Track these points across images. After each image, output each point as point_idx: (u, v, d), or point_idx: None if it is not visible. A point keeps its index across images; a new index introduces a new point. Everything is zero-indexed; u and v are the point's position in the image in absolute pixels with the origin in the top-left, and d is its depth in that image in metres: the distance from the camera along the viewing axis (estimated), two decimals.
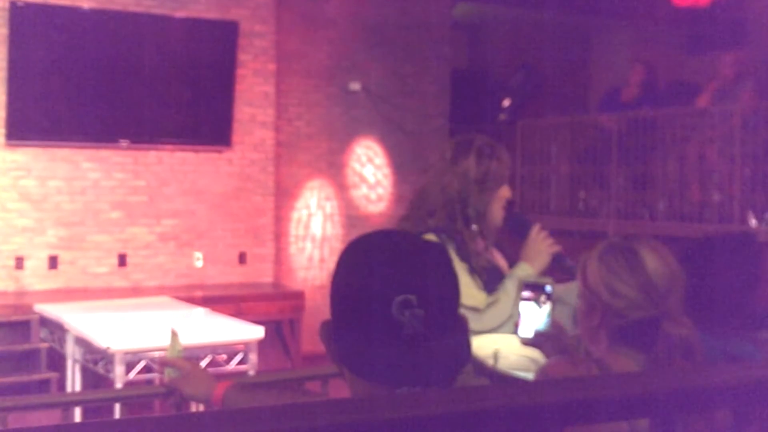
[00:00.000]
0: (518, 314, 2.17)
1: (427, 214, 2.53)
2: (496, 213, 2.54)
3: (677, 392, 1.01)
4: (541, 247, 2.52)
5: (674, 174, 7.52)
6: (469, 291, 2.45)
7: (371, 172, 8.59)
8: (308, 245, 8.31)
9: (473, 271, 2.50)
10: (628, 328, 1.71)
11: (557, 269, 2.49)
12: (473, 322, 2.38)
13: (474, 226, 2.51)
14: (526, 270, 2.49)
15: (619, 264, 1.72)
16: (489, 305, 2.48)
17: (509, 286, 2.48)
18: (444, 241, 2.44)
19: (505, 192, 2.53)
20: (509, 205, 2.56)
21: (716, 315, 2.23)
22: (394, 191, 8.69)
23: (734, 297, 2.27)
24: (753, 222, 6.70)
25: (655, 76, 8.26)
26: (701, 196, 7.30)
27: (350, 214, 8.46)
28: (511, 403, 0.93)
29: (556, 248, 2.52)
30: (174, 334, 2.17)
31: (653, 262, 1.71)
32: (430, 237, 2.44)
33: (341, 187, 8.47)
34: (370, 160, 8.56)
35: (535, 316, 2.13)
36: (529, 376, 2.21)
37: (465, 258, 2.49)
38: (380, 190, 8.65)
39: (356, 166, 8.52)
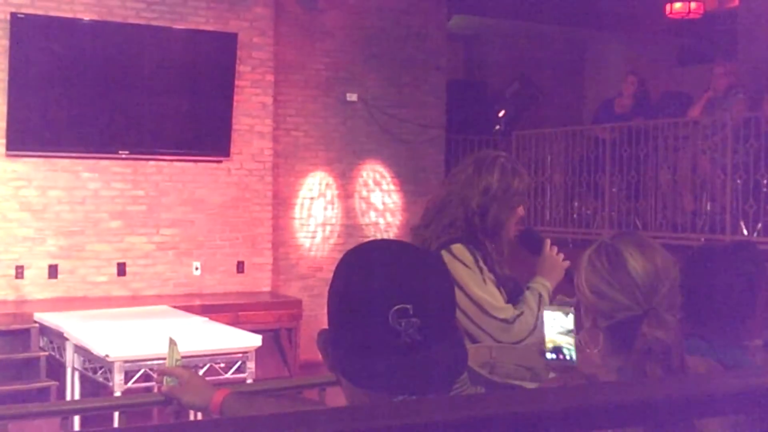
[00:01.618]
0: (540, 328, 2.17)
1: (448, 225, 2.56)
2: (511, 229, 2.58)
3: (673, 401, 0.99)
4: (556, 261, 2.57)
5: (667, 184, 7.58)
6: (499, 303, 2.50)
7: (369, 182, 8.65)
8: (306, 254, 8.37)
9: (500, 283, 2.54)
10: (615, 330, 1.68)
11: (569, 283, 2.57)
12: (503, 333, 2.47)
13: (490, 240, 2.57)
14: (543, 284, 2.54)
15: (603, 264, 1.69)
16: (516, 317, 2.52)
17: (530, 298, 2.53)
18: (473, 252, 2.51)
19: (521, 210, 2.58)
20: (521, 220, 2.61)
21: (715, 324, 2.22)
22: (391, 201, 8.76)
23: (734, 305, 2.25)
24: (745, 232, 6.76)
25: (648, 88, 8.33)
26: (694, 205, 7.36)
27: (348, 223, 8.52)
28: (507, 411, 0.93)
29: (568, 263, 2.56)
30: (172, 343, 2.19)
31: (636, 260, 1.67)
32: (458, 247, 2.50)
33: (339, 197, 8.53)
34: (367, 170, 8.62)
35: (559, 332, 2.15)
36: (526, 385, 2.22)
37: (492, 269, 2.54)
38: (378, 200, 8.71)
39: (354, 176, 8.58)
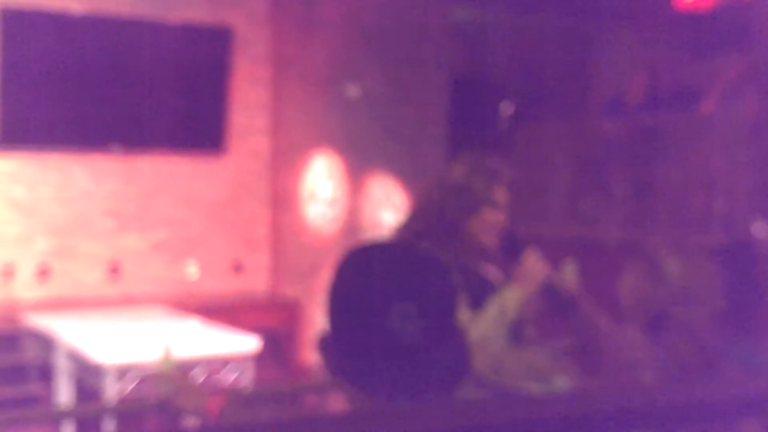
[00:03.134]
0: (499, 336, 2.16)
1: (418, 224, 2.51)
2: (480, 234, 2.46)
3: (677, 405, 1.01)
4: (532, 270, 2.43)
5: (677, 180, 7.45)
6: None
7: (369, 180, 8.51)
8: (305, 254, 8.23)
9: (466, 286, 2.43)
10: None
11: (548, 296, 2.43)
12: None
13: (447, 241, 2.44)
14: (513, 293, 2.41)
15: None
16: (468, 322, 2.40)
17: (491, 306, 2.41)
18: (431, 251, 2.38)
19: (489, 215, 2.45)
20: (507, 233, 2.49)
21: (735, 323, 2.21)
22: (392, 200, 8.61)
23: (742, 305, 2.28)
24: (760, 230, 6.62)
25: (658, 81, 8.23)
26: (705, 202, 7.23)
27: (348, 222, 8.38)
28: (511, 416, 0.92)
29: (546, 272, 2.43)
30: (167, 351, 2.16)
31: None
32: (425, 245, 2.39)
33: (339, 195, 8.39)
34: (367, 168, 8.49)
35: None
36: (532, 388, 2.22)
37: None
38: (378, 199, 8.57)
39: (353, 174, 8.45)
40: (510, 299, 2.36)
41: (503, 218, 2.48)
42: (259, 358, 5.47)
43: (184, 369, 3.85)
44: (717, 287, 1.85)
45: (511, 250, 2.51)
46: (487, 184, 2.46)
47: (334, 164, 8.37)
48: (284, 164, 8.20)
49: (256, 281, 8.05)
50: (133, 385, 4.70)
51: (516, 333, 2.39)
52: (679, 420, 1.01)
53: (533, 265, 2.44)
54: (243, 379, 4.96)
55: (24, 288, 7.15)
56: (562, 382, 2.16)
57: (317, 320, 7.76)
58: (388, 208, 8.60)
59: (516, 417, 0.92)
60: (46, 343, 5.82)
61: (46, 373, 6.11)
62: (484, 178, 2.46)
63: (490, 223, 2.45)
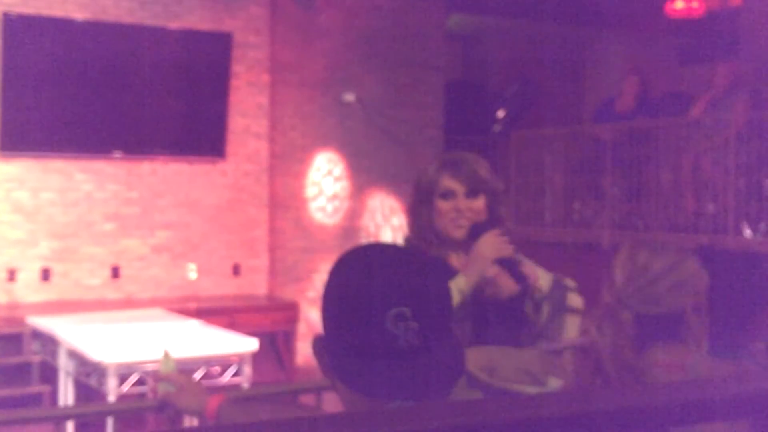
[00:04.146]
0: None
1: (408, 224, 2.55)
2: (439, 224, 2.43)
3: (673, 406, 1.00)
4: (484, 250, 2.31)
5: (669, 184, 7.51)
6: None
7: (366, 184, 8.57)
8: (302, 257, 8.28)
9: None
10: None
11: (516, 279, 2.32)
12: None
13: (421, 241, 2.44)
14: (459, 281, 2.31)
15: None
16: None
17: None
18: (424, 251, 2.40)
19: (441, 204, 2.42)
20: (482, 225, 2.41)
21: (717, 327, 2.22)
22: (388, 203, 8.67)
23: (735, 308, 2.27)
24: (747, 233, 6.70)
25: (649, 87, 8.27)
26: (696, 206, 7.30)
27: (345, 225, 8.44)
28: (505, 417, 0.92)
29: (508, 252, 2.31)
30: (166, 353, 2.15)
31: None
32: (417, 245, 2.44)
33: (336, 198, 8.44)
34: (364, 171, 8.54)
35: None
36: (526, 390, 2.18)
37: None
38: (375, 202, 8.63)
39: (351, 177, 8.50)
40: (454, 290, 2.25)
41: (459, 208, 2.42)
42: (258, 359, 5.52)
43: (183, 369, 3.93)
44: (694, 285, 1.85)
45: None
46: (436, 175, 2.44)
47: (332, 168, 8.43)
48: (282, 168, 8.25)
49: (255, 284, 8.08)
50: (133, 384, 4.76)
51: (479, 317, 2.35)
52: (677, 419, 1.01)
53: (487, 244, 2.34)
54: (241, 379, 4.98)
55: (27, 290, 7.18)
56: (555, 384, 2.09)
57: (312, 320, 7.83)
58: (384, 210, 8.67)
59: (511, 417, 0.93)
60: (48, 343, 5.87)
61: (48, 373, 6.18)
62: (435, 169, 2.45)
63: (444, 211, 2.42)
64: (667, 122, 7.65)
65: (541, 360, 2.28)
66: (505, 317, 2.38)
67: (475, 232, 2.40)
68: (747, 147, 6.80)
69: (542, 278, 2.42)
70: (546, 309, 2.40)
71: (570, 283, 2.44)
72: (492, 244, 2.32)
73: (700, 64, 8.60)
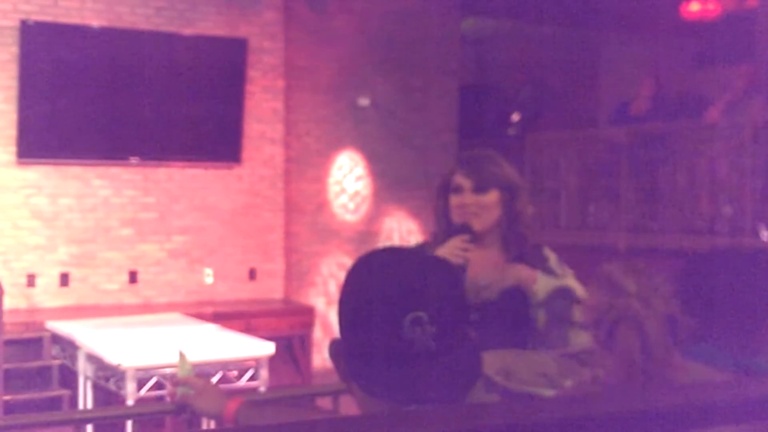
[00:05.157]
0: None
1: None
2: (456, 221, 2.52)
3: (679, 409, 1.01)
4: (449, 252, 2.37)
5: (684, 187, 7.49)
6: None
7: (381, 188, 8.59)
8: (318, 261, 8.31)
9: None
10: None
11: None
12: None
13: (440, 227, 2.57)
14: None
15: None
16: None
17: None
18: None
19: (453, 200, 2.51)
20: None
21: (732, 330, 2.18)
22: (403, 207, 8.69)
23: (751, 311, 2.23)
24: (764, 235, 6.67)
25: (664, 90, 8.25)
26: (712, 209, 7.27)
27: (360, 229, 8.46)
28: (520, 420, 0.93)
29: (458, 261, 2.33)
30: (182, 356, 2.16)
31: None
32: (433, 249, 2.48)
33: (351, 203, 8.47)
34: (379, 175, 8.56)
35: None
36: (542, 392, 2.18)
37: None
38: (390, 206, 8.65)
39: (365, 181, 8.53)
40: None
41: (465, 203, 2.48)
42: (274, 363, 5.54)
43: (200, 373, 3.96)
44: (674, 302, 1.87)
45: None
46: (451, 172, 2.56)
47: (347, 172, 8.45)
48: (298, 173, 8.28)
49: (271, 288, 8.11)
50: (152, 388, 4.80)
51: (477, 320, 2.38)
52: (678, 423, 1.01)
53: (448, 249, 2.40)
54: (258, 383, 5.00)
55: (46, 295, 7.23)
56: (571, 386, 2.12)
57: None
58: (400, 214, 8.69)
59: (528, 420, 0.93)
60: (67, 348, 5.92)
61: (67, 378, 6.23)
62: (452, 167, 2.59)
63: (453, 206, 2.51)
64: (683, 125, 7.63)
65: (557, 363, 2.29)
66: (499, 319, 2.41)
67: (449, 234, 2.48)
68: (763, 149, 6.77)
69: (540, 284, 2.43)
70: (542, 316, 2.39)
71: (583, 294, 2.38)
72: (453, 249, 2.38)
73: (715, 67, 8.57)
